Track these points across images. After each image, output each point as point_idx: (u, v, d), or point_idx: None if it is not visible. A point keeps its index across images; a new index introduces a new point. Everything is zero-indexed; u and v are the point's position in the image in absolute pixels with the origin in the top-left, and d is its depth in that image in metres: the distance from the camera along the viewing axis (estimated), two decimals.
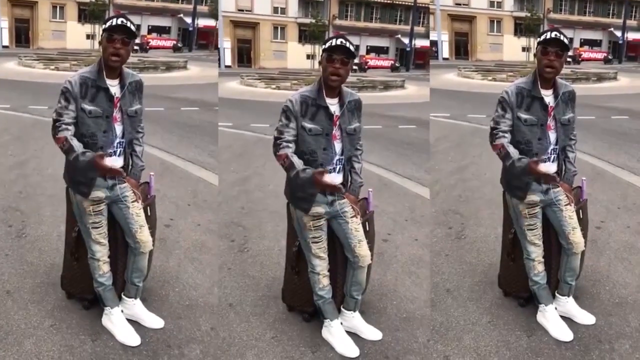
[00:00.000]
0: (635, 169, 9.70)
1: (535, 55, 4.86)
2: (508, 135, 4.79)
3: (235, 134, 13.31)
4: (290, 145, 4.59)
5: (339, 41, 4.55)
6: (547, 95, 4.83)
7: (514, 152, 4.71)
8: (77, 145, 4.47)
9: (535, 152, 4.79)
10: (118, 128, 4.69)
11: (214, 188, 8.35)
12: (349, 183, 4.83)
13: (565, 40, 4.71)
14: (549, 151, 4.86)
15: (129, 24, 4.59)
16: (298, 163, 4.53)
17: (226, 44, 39.98)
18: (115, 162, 4.71)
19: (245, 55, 41.34)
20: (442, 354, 4.79)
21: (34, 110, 13.78)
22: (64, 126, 4.51)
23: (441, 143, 11.67)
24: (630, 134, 13.39)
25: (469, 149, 11.19)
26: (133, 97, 4.76)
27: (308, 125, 4.61)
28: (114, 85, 4.66)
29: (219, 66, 37.00)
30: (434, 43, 40.55)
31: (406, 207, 7.99)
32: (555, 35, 4.72)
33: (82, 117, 4.56)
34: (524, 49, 40.82)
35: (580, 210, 5.19)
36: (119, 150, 4.73)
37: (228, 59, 39.83)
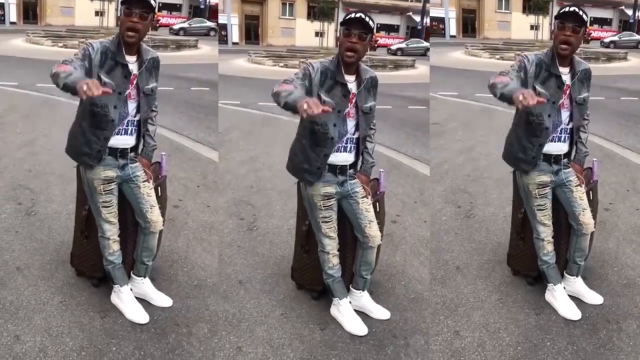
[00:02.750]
0: None
1: (552, 31, 4.77)
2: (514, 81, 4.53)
3: (243, 112, 13.32)
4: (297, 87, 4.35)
5: (357, 15, 4.44)
6: (565, 74, 4.74)
7: (513, 86, 4.38)
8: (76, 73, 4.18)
9: (546, 126, 4.73)
10: (131, 105, 4.62)
11: (223, 168, 8.36)
12: (361, 163, 4.81)
13: (584, 15, 4.59)
14: (559, 130, 4.82)
15: None
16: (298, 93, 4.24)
17: (233, 20, 39.80)
18: (128, 140, 4.69)
19: (253, 32, 41.18)
20: (452, 329, 4.83)
21: (42, 88, 13.78)
22: (72, 63, 4.31)
23: (449, 122, 11.64)
24: None
25: (477, 128, 11.18)
26: (150, 75, 4.68)
27: (323, 97, 4.49)
28: (132, 62, 4.57)
29: (226, 42, 36.91)
30: (439, 20, 40.30)
31: (415, 188, 7.99)
32: (573, 9, 4.59)
33: None
34: (532, 27, 40.56)
35: (591, 192, 5.19)
36: (130, 128, 4.68)
37: (235, 35, 39.67)
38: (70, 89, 4.04)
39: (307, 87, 4.45)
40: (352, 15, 4.46)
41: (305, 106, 3.90)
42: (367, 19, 4.45)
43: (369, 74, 4.70)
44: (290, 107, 4.12)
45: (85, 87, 3.82)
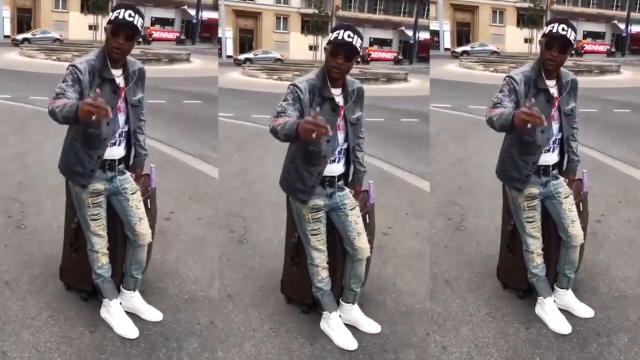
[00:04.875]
0: (637, 163, 9.69)
1: (540, 43, 4.77)
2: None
3: (236, 124, 13.32)
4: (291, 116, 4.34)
5: (346, 34, 4.40)
6: (552, 87, 4.74)
7: (508, 111, 4.33)
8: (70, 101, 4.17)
9: (539, 144, 4.73)
10: (121, 118, 4.63)
11: (216, 182, 8.34)
12: (353, 172, 4.83)
13: (572, 36, 4.58)
14: (551, 142, 4.82)
15: (135, 19, 4.42)
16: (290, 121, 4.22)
17: (228, 34, 39.90)
18: (116, 151, 4.67)
19: (247, 45, 41.27)
20: (440, 345, 4.79)
21: (35, 100, 13.72)
22: (65, 96, 4.25)
23: (442, 134, 11.65)
24: (632, 127, 13.40)
25: (470, 141, 11.17)
26: (136, 86, 4.69)
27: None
28: (118, 76, 4.57)
29: (220, 56, 36.98)
30: (434, 33, 40.45)
31: (407, 200, 7.98)
32: (563, 29, 4.57)
33: None
34: (526, 40, 40.77)
35: (581, 203, 5.18)
36: (119, 140, 4.67)
37: (230, 49, 39.76)
38: (70, 119, 4.04)
39: (300, 110, 4.44)
40: (340, 35, 4.42)
41: (309, 132, 3.84)
42: (354, 40, 4.42)
43: (355, 85, 4.71)
44: (291, 137, 4.12)
45: (94, 118, 3.82)
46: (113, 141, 4.63)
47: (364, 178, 4.93)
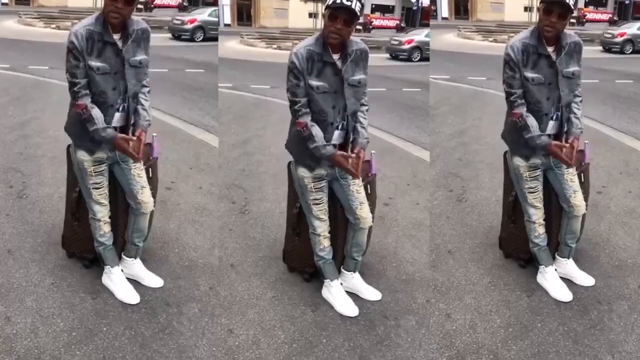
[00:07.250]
0: (638, 134, 9.70)
1: (537, 10, 4.73)
2: (524, 101, 4.67)
3: (235, 95, 13.26)
4: (308, 110, 4.49)
5: (343, 1, 4.36)
6: (552, 51, 4.68)
7: (533, 124, 4.60)
8: (98, 117, 4.40)
9: (546, 112, 4.70)
10: (121, 81, 4.57)
11: (216, 151, 8.34)
12: (354, 137, 4.67)
13: (571, 1, 4.54)
14: (552, 109, 4.74)
15: None
16: (319, 136, 4.46)
17: (225, 1, 39.55)
18: (116, 118, 4.60)
19: (245, 13, 40.95)
20: (443, 312, 4.83)
21: (34, 70, 13.71)
22: (83, 91, 4.41)
23: (441, 106, 11.62)
24: (635, 98, 13.35)
25: (469, 112, 11.16)
26: (137, 46, 4.59)
27: (315, 82, 4.48)
28: (118, 39, 4.51)
29: (217, 23, 36.75)
30: (431, 1, 40.11)
31: (408, 171, 7.98)
32: None
33: (90, 75, 4.43)
34: (526, 9, 40.40)
35: (582, 174, 5.18)
36: (121, 105, 4.59)
37: (227, 17, 39.45)
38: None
39: (304, 81, 4.46)
40: (338, 0, 4.38)
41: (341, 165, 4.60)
42: (353, 4, 4.38)
43: (355, 46, 4.61)
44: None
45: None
46: (116, 107, 4.58)
47: (366, 146, 4.75)
